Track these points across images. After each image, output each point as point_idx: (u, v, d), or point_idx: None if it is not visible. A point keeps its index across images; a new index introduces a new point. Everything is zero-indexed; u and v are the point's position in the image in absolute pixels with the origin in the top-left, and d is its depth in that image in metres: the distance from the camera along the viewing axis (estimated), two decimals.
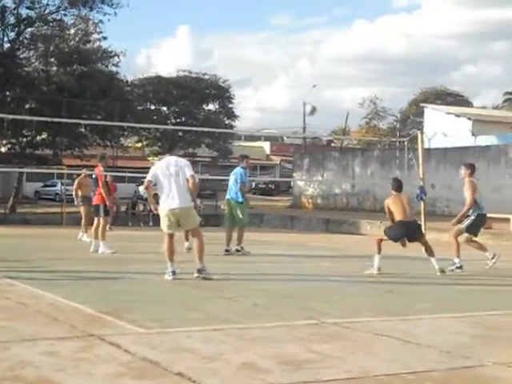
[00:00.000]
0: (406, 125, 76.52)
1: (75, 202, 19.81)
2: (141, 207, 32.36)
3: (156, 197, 11.56)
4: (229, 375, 5.24)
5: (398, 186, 12.71)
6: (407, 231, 12.37)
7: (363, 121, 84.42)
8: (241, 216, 15.90)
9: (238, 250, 15.65)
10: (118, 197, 24.44)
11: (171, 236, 11.17)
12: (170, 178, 11.03)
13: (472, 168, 13.47)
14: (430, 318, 8.00)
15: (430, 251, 12.39)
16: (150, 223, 28.58)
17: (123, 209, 33.65)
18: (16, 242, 18.80)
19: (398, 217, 12.34)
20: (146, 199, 30.31)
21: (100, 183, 15.75)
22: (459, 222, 13.11)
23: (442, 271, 12.08)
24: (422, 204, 17.21)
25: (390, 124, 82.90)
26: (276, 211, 37.83)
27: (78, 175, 20.84)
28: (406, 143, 21.28)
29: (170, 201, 10.97)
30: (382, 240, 12.54)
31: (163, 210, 11.08)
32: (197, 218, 11.53)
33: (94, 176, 16.50)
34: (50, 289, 9.35)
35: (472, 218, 13.02)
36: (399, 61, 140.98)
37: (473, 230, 13.17)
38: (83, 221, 18.75)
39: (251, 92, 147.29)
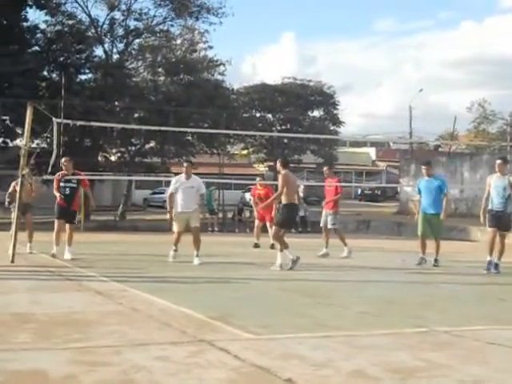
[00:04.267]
0: None
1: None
2: (247, 214, 32.59)
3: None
4: (338, 382, 5.22)
5: None
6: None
7: (471, 125, 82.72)
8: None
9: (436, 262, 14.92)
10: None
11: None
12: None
13: None
14: None
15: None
16: None
17: (229, 215, 34.09)
18: (126, 248, 19.26)
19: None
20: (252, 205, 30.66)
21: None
22: None
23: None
24: None
25: (499, 128, 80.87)
26: (383, 217, 37.46)
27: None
28: None
29: None
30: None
31: None
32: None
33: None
34: (159, 294, 9.52)
35: None
36: (508, 62, 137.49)
37: None
38: None
39: (355, 98, 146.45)
